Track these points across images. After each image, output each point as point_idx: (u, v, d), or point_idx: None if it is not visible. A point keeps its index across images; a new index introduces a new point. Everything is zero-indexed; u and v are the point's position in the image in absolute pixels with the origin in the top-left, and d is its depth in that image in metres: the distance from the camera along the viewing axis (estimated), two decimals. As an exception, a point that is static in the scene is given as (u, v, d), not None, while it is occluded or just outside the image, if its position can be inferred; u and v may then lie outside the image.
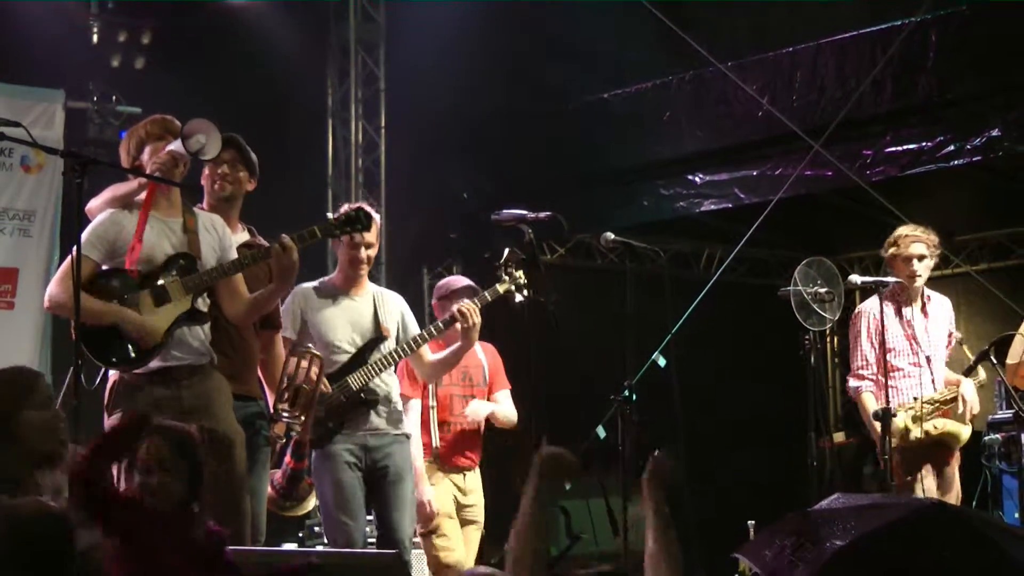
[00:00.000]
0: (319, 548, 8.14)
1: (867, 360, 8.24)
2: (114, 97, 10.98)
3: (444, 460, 7.82)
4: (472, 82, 11.56)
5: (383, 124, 12.40)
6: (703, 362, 11.51)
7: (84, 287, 5.59)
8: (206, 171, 6.56)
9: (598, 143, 11.57)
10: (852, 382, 8.29)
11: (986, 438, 9.60)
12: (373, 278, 11.65)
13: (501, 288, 7.46)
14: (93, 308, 5.68)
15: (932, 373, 8.13)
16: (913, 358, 8.22)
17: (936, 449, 8.08)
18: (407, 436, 7.36)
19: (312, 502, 7.19)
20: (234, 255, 6.09)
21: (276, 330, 6.85)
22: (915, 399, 8.05)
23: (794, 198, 10.40)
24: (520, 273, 7.42)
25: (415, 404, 7.74)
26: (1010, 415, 9.27)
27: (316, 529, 9.46)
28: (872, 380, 8.18)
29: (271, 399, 6.77)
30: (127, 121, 10.76)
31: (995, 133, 9.69)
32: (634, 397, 7.40)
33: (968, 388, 8.13)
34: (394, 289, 7.75)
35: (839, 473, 10.18)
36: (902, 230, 8.37)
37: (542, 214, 6.87)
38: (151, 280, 5.86)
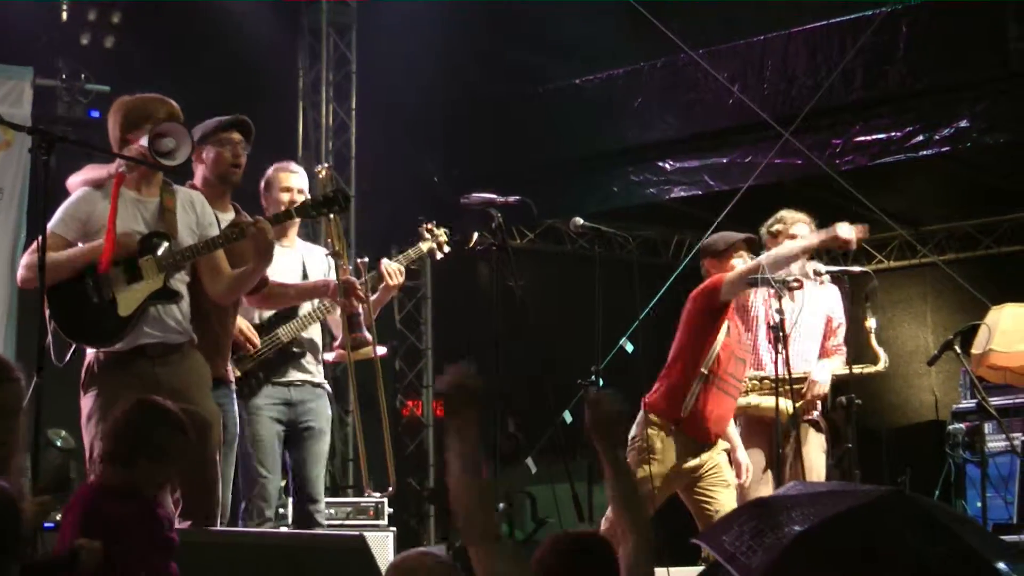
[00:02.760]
0: (283, 530, 8.14)
1: None
2: (83, 75, 10.93)
3: (701, 415, 7.38)
4: (444, 66, 11.56)
5: (354, 107, 12.39)
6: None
7: None
8: (212, 152, 6.51)
9: (569, 129, 11.58)
10: None
11: (950, 427, 9.64)
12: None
13: (424, 247, 7.46)
14: (62, 258, 5.69)
15: (785, 354, 7.90)
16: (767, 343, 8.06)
17: (760, 424, 7.92)
18: (327, 390, 7.31)
19: None
20: (214, 233, 6.04)
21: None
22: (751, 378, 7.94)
23: (763, 186, 10.42)
24: (442, 231, 7.43)
25: None
26: (974, 404, 9.32)
27: (280, 511, 9.47)
28: None
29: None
30: (96, 99, 10.75)
31: (964, 124, 9.74)
32: (601, 382, 7.42)
33: (819, 371, 8.00)
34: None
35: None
36: (784, 212, 8.20)
37: (511, 198, 6.87)
38: (125, 259, 5.83)
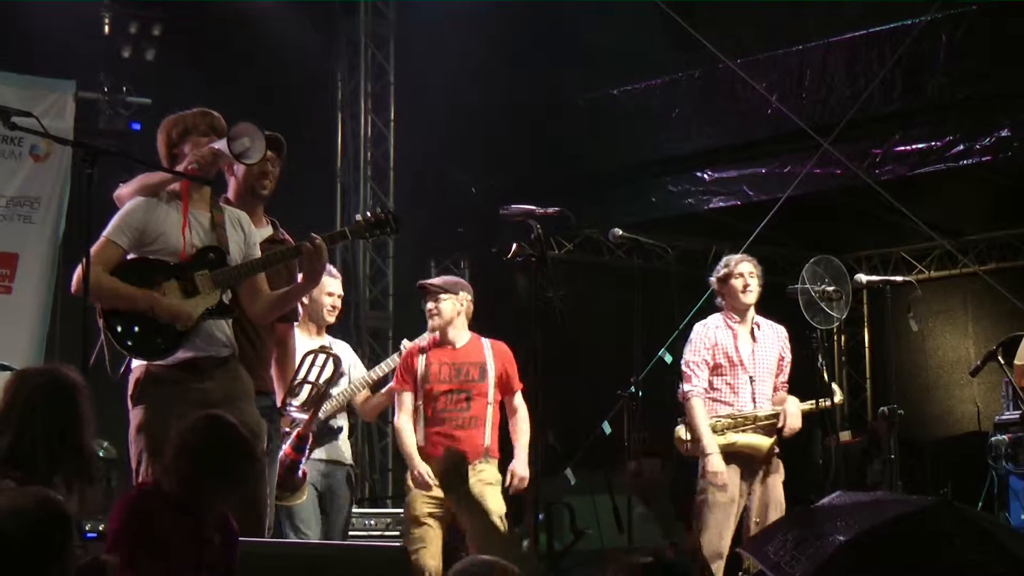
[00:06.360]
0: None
1: (695, 372, 8.13)
2: (124, 88, 11.00)
3: (428, 457, 7.70)
4: (481, 76, 11.57)
5: (392, 118, 12.42)
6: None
7: (111, 273, 5.68)
8: (239, 166, 6.52)
9: (607, 139, 11.58)
10: (685, 386, 8.18)
11: (992, 439, 9.59)
12: (381, 272, 11.78)
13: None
14: (126, 292, 5.71)
15: (754, 392, 8.05)
16: (741, 377, 8.11)
17: (738, 460, 7.98)
18: (351, 465, 8.12)
19: (305, 493, 7.49)
20: (258, 252, 6.07)
21: (290, 323, 6.89)
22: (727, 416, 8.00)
23: (802, 196, 10.40)
24: None
25: (407, 397, 7.85)
26: (1017, 416, 9.26)
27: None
28: (703, 389, 8.13)
29: (280, 393, 6.82)
30: (137, 112, 10.85)
31: (1004, 133, 9.70)
32: (640, 393, 7.42)
33: (792, 404, 8.05)
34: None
35: (844, 471, 10.17)
36: (730, 257, 8.26)
37: (550, 209, 6.88)
38: (180, 272, 5.85)
